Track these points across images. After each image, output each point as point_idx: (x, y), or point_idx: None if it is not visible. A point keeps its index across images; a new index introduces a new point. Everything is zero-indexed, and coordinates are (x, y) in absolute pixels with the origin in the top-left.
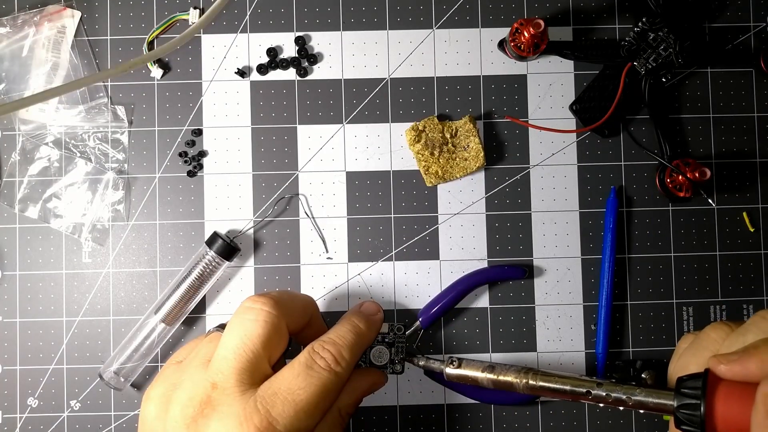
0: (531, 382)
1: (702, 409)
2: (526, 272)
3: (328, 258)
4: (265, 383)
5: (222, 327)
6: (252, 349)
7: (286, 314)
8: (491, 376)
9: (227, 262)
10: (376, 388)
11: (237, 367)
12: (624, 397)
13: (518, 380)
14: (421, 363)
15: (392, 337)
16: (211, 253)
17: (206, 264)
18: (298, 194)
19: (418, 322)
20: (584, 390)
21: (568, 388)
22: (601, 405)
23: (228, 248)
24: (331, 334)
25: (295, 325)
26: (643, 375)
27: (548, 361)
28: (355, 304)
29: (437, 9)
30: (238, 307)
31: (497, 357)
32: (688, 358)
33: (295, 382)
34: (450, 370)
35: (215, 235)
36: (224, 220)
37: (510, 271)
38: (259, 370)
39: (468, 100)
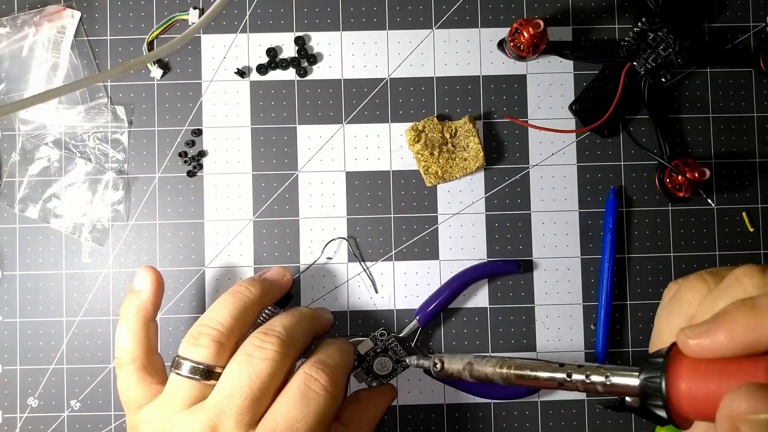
0: (506, 371)
1: (663, 389)
2: (521, 266)
3: (328, 258)
4: (263, 420)
5: (180, 364)
6: (260, 387)
7: (296, 348)
8: (471, 371)
9: (281, 310)
10: (392, 402)
11: (242, 406)
12: (597, 382)
13: (495, 373)
14: (414, 362)
15: (383, 344)
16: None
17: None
18: (346, 238)
19: (415, 321)
20: (558, 376)
21: (542, 375)
22: (570, 391)
23: (283, 296)
24: (321, 355)
25: (306, 342)
26: (627, 399)
27: None
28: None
29: (437, 9)
30: (242, 346)
31: None
32: (663, 321)
33: (293, 414)
34: (436, 371)
35: None
36: (224, 220)
37: (504, 266)
38: (263, 405)
39: (467, 100)
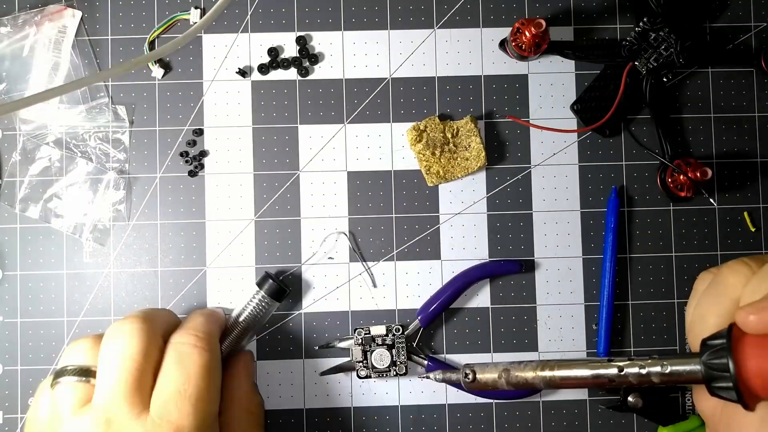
0: (548, 374)
1: (731, 369)
2: (523, 266)
3: (329, 258)
4: (152, 397)
5: (58, 374)
6: (135, 366)
7: (156, 324)
8: (509, 378)
9: (278, 303)
10: (249, 364)
11: (126, 391)
12: (651, 373)
13: (536, 377)
14: (439, 377)
15: (392, 339)
16: (261, 294)
17: (256, 306)
18: (345, 233)
19: (417, 321)
20: (607, 373)
21: (589, 373)
22: (620, 388)
23: (278, 289)
24: (185, 323)
25: (168, 331)
26: (630, 398)
27: None
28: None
29: (438, 9)
30: (104, 335)
31: (498, 357)
32: (706, 307)
33: (175, 378)
34: (467, 382)
35: (266, 276)
36: (225, 220)
37: (506, 266)
38: (146, 385)
39: (469, 100)
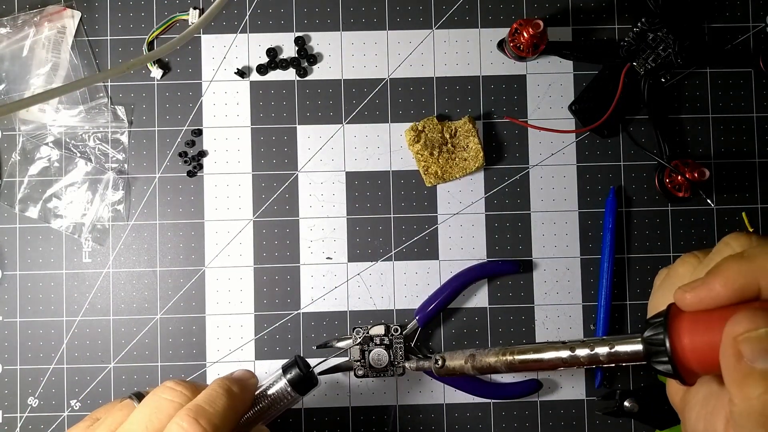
0: (509, 358)
1: (668, 347)
2: (521, 267)
3: (328, 258)
4: None
5: (139, 396)
6: (159, 429)
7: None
8: (474, 363)
9: (300, 397)
10: None
11: None
12: (599, 354)
13: (498, 362)
14: (412, 366)
15: (390, 339)
16: (284, 381)
17: (277, 392)
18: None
19: (415, 321)
20: (562, 355)
21: (544, 356)
22: (575, 368)
23: (303, 380)
24: (201, 399)
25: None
26: (626, 403)
27: None
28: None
29: (437, 9)
30: (157, 388)
31: None
32: (659, 298)
33: None
34: (437, 368)
35: (294, 362)
36: (224, 220)
37: (504, 266)
38: None
39: (467, 101)
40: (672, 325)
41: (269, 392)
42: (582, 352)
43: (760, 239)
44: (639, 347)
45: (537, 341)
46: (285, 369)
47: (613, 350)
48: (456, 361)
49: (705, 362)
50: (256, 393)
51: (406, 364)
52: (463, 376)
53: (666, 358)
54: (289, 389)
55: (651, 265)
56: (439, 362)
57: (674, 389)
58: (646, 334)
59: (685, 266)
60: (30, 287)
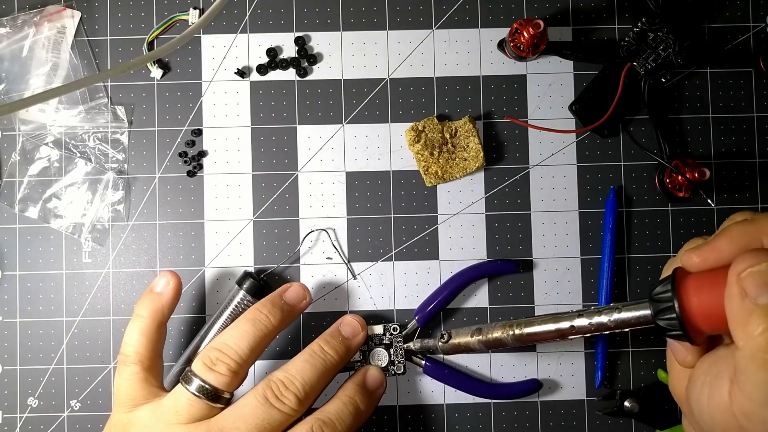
0: (516, 331)
1: (676, 306)
2: (520, 266)
3: (328, 258)
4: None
5: (192, 380)
6: None
7: (308, 406)
8: (480, 337)
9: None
10: None
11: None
12: (606, 320)
13: (505, 334)
14: (417, 346)
15: (389, 338)
16: (242, 293)
17: (237, 305)
18: (326, 230)
19: (414, 321)
20: (568, 325)
21: (552, 327)
22: (587, 336)
23: (259, 287)
24: (332, 413)
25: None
26: (626, 403)
27: (547, 361)
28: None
29: (437, 9)
30: (264, 386)
31: (497, 356)
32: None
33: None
34: (442, 344)
35: (246, 275)
36: (224, 220)
37: (503, 266)
38: None
39: (467, 101)
40: (679, 284)
41: (228, 310)
42: (589, 320)
43: (763, 213)
44: (646, 312)
45: (546, 314)
46: (239, 282)
47: (620, 315)
48: (462, 336)
49: (711, 317)
50: (216, 315)
51: (411, 344)
52: (468, 351)
53: (673, 315)
54: (248, 299)
55: (651, 265)
56: (445, 337)
57: (678, 379)
58: (654, 291)
59: (691, 245)
60: (30, 287)
